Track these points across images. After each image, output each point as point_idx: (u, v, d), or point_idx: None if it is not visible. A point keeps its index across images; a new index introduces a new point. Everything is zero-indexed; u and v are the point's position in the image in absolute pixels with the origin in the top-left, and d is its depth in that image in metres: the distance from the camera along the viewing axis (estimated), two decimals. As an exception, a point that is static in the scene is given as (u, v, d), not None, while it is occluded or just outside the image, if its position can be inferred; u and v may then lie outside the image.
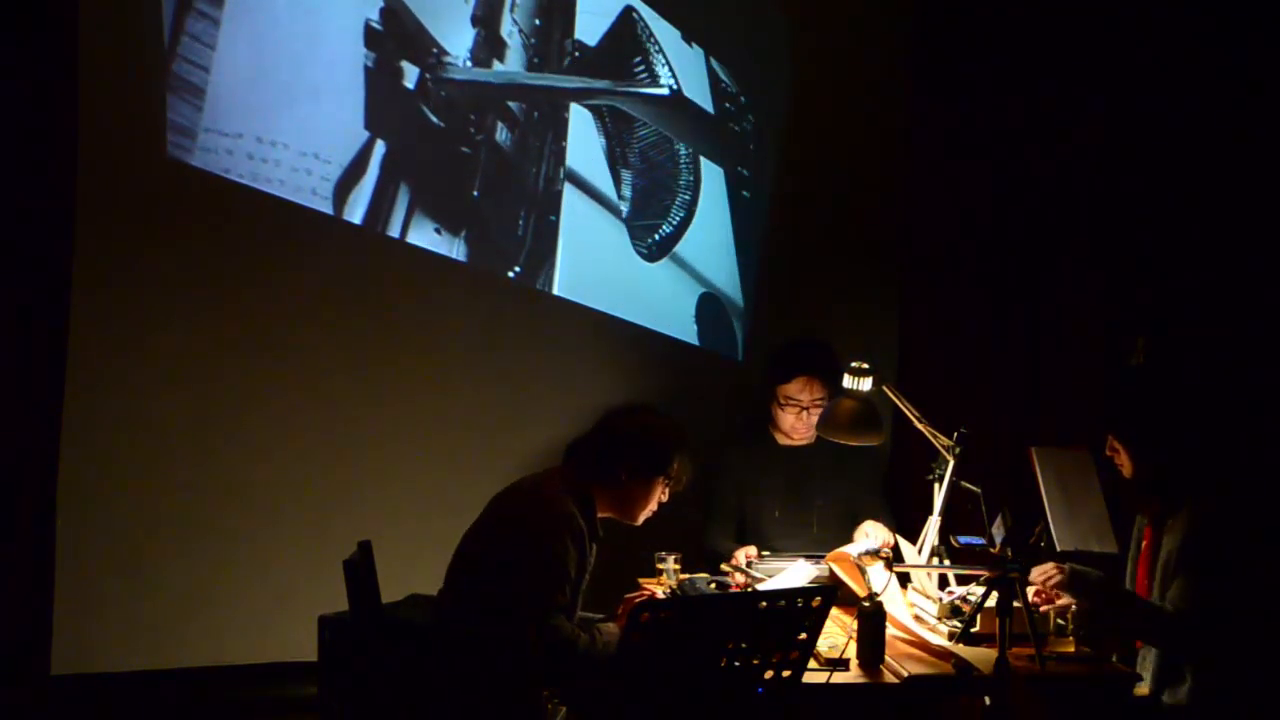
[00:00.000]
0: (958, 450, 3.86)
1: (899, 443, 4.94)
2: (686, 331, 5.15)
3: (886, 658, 3.37)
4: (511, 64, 4.82)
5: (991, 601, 3.32)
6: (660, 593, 3.78)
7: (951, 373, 5.02)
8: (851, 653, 3.35)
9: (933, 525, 3.87)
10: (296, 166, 4.57)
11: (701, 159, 5.12)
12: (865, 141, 5.16)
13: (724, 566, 4.10)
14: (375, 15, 4.62)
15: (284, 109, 4.55)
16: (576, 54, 4.93)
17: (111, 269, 4.46)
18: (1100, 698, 3.45)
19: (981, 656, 3.36)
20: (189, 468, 4.57)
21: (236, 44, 4.49)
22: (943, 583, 3.81)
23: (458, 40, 4.74)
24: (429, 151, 4.77)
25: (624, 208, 5.03)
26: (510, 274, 4.91)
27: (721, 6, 5.14)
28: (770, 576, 3.91)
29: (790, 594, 2.90)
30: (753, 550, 4.18)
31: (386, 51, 4.66)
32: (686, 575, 3.93)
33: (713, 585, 3.88)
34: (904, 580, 3.90)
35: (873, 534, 4.12)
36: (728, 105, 5.15)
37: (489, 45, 4.78)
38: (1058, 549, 3.61)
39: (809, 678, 3.10)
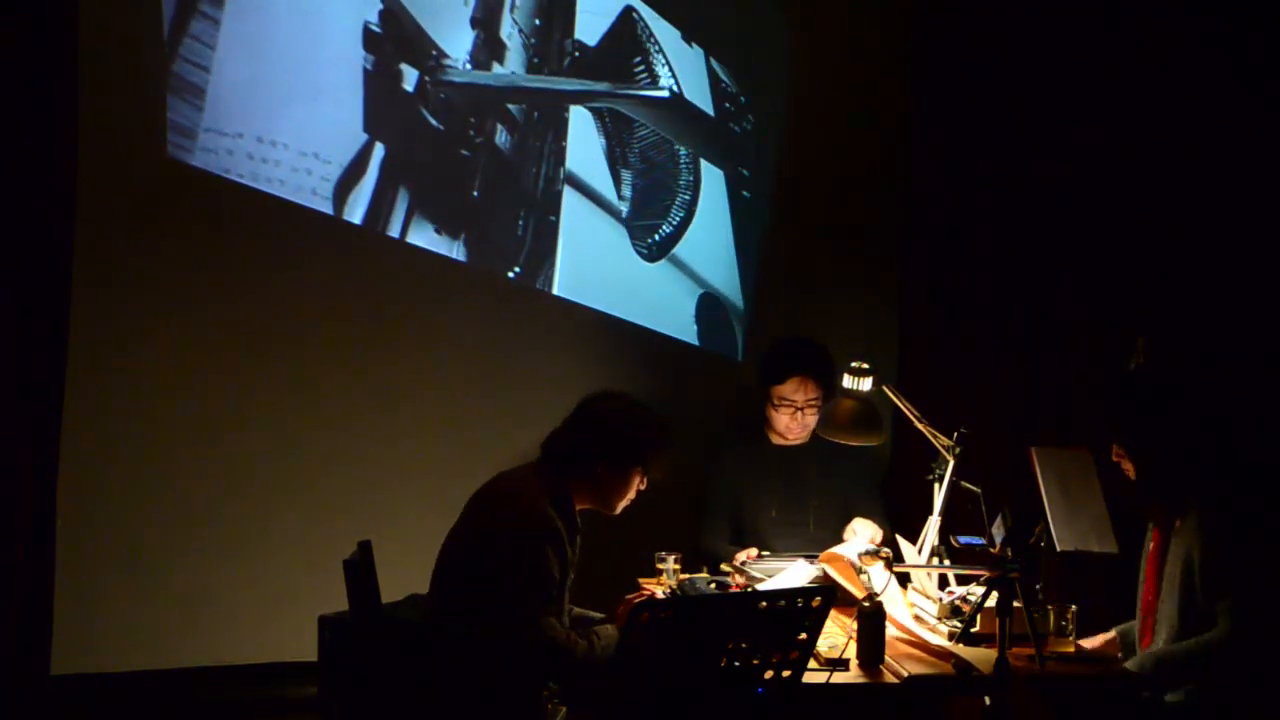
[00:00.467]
0: (958, 450, 3.86)
1: (899, 443, 4.94)
2: (686, 332, 5.15)
3: (886, 658, 3.37)
4: (511, 65, 4.82)
5: (991, 601, 3.32)
6: (660, 593, 3.77)
7: (951, 373, 5.01)
8: (851, 653, 3.35)
9: (933, 525, 3.87)
10: (296, 167, 4.57)
11: (701, 159, 5.12)
12: (865, 142, 5.16)
13: (724, 567, 4.10)
14: (374, 17, 4.62)
15: (284, 110, 4.55)
16: (576, 54, 4.93)
17: (111, 269, 4.46)
18: (1100, 698, 3.45)
19: (981, 656, 3.36)
20: (189, 467, 4.57)
21: (237, 44, 4.49)
22: (943, 583, 3.81)
23: (457, 42, 4.74)
24: (429, 153, 4.77)
25: (624, 208, 5.03)
26: (510, 274, 4.91)
27: (721, 6, 5.14)
28: (770, 576, 3.91)
29: (790, 594, 2.90)
30: (754, 551, 4.18)
31: (386, 53, 4.66)
32: (686, 575, 3.93)
33: (713, 585, 3.88)
34: (904, 580, 3.90)
35: (861, 531, 4.11)
36: (728, 105, 5.15)
37: (488, 47, 4.78)
38: (1058, 549, 3.61)
39: (809, 678, 3.10)
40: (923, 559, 3.82)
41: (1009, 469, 4.65)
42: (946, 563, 3.81)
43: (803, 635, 2.91)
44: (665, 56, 5.02)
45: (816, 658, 3.27)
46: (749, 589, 3.84)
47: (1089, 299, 4.98)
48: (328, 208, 4.63)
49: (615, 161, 5.01)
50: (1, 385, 4.20)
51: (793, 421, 4.30)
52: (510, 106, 4.85)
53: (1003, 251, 5.03)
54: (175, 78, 4.43)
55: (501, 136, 4.85)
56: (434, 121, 4.74)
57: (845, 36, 5.16)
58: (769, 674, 2.91)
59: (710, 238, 5.15)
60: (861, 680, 3.30)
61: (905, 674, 3.28)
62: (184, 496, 4.57)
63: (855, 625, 3.40)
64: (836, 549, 3.88)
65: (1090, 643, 3.66)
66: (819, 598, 2.88)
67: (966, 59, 5.02)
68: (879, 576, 3.65)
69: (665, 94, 5.02)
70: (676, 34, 5.04)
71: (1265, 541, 3.52)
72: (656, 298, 5.09)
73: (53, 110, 4.22)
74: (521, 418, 4.78)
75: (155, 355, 4.53)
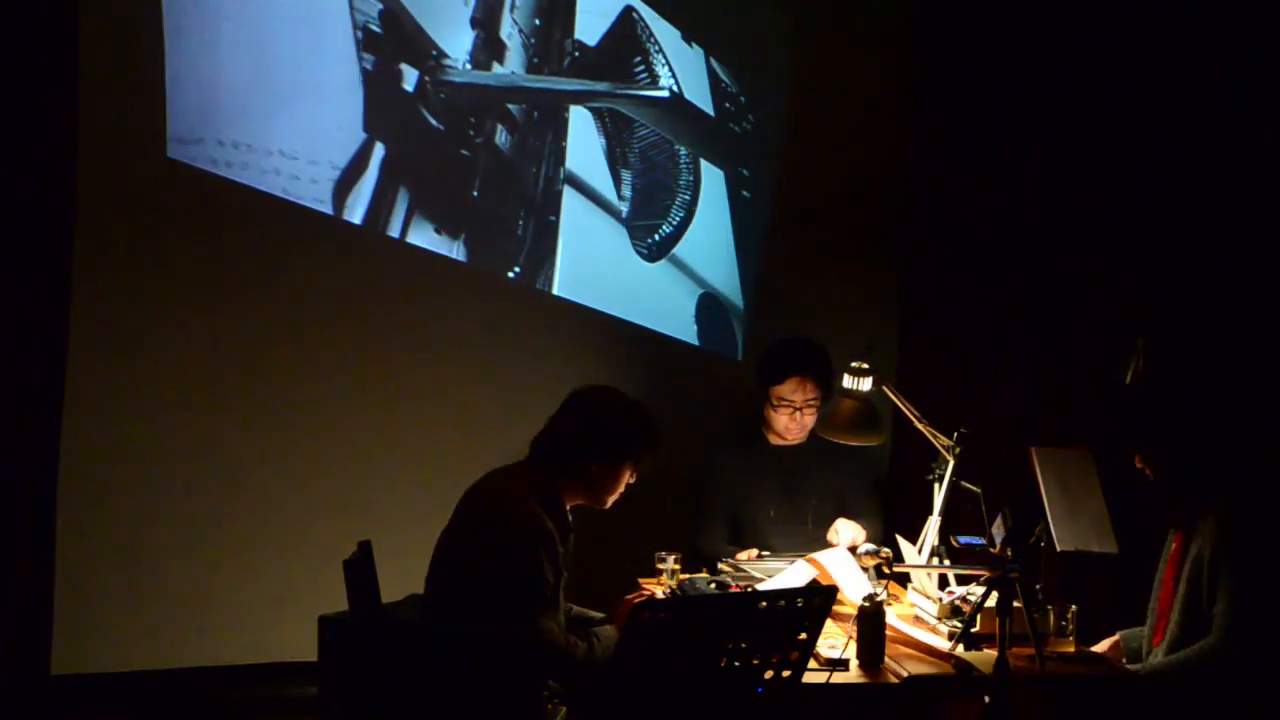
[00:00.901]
0: (958, 450, 3.86)
1: (899, 443, 4.94)
2: (686, 332, 5.15)
3: (886, 658, 3.37)
4: (511, 65, 4.83)
5: (991, 601, 3.31)
6: (660, 593, 3.77)
7: (951, 373, 5.01)
8: (851, 653, 3.35)
9: (933, 525, 3.87)
10: (296, 167, 4.57)
11: (701, 159, 5.12)
12: (865, 142, 5.16)
13: (722, 566, 4.09)
14: (375, 17, 4.62)
15: (284, 110, 4.56)
16: (576, 54, 4.93)
17: (111, 269, 4.46)
18: (1100, 698, 3.45)
19: (981, 656, 3.36)
20: (189, 467, 4.57)
21: (237, 44, 4.49)
22: (943, 583, 3.81)
23: (457, 42, 4.75)
24: (428, 153, 4.77)
25: (624, 208, 5.03)
26: (510, 274, 4.91)
27: (721, 6, 5.14)
28: (769, 576, 3.91)
29: (790, 594, 2.90)
30: (754, 551, 4.18)
31: (386, 54, 4.66)
32: (686, 575, 3.93)
33: (713, 585, 3.88)
34: (904, 580, 3.90)
35: (843, 532, 4.11)
36: (728, 105, 5.15)
37: (488, 47, 4.78)
38: (1058, 549, 3.61)
39: (809, 678, 3.10)
40: (923, 559, 3.82)
41: (1009, 469, 4.65)
42: (946, 563, 3.80)
43: (803, 635, 2.91)
44: (665, 56, 5.02)
45: (816, 658, 3.27)
46: (748, 589, 3.84)
47: (1089, 299, 4.98)
48: (328, 208, 4.63)
49: (615, 161, 5.01)
50: (1, 385, 4.20)
51: (791, 422, 4.29)
52: (510, 106, 4.85)
53: (1003, 251, 5.03)
54: (175, 78, 4.43)
55: (501, 136, 4.85)
56: (434, 121, 4.74)
57: (845, 37, 5.16)
58: (769, 674, 2.91)
59: (710, 238, 5.15)
60: (861, 680, 3.30)
61: (905, 674, 3.28)
62: (184, 496, 4.57)
63: (855, 625, 3.40)
64: (816, 555, 3.86)
65: (1095, 649, 3.66)
66: (819, 598, 2.88)
67: (966, 59, 5.02)
68: (859, 580, 3.65)
69: (665, 94, 5.02)
70: (676, 34, 5.04)
71: (1275, 545, 3.52)
72: (656, 298, 5.09)
73: (53, 110, 4.22)
74: (522, 417, 4.74)
75: (155, 355, 4.54)
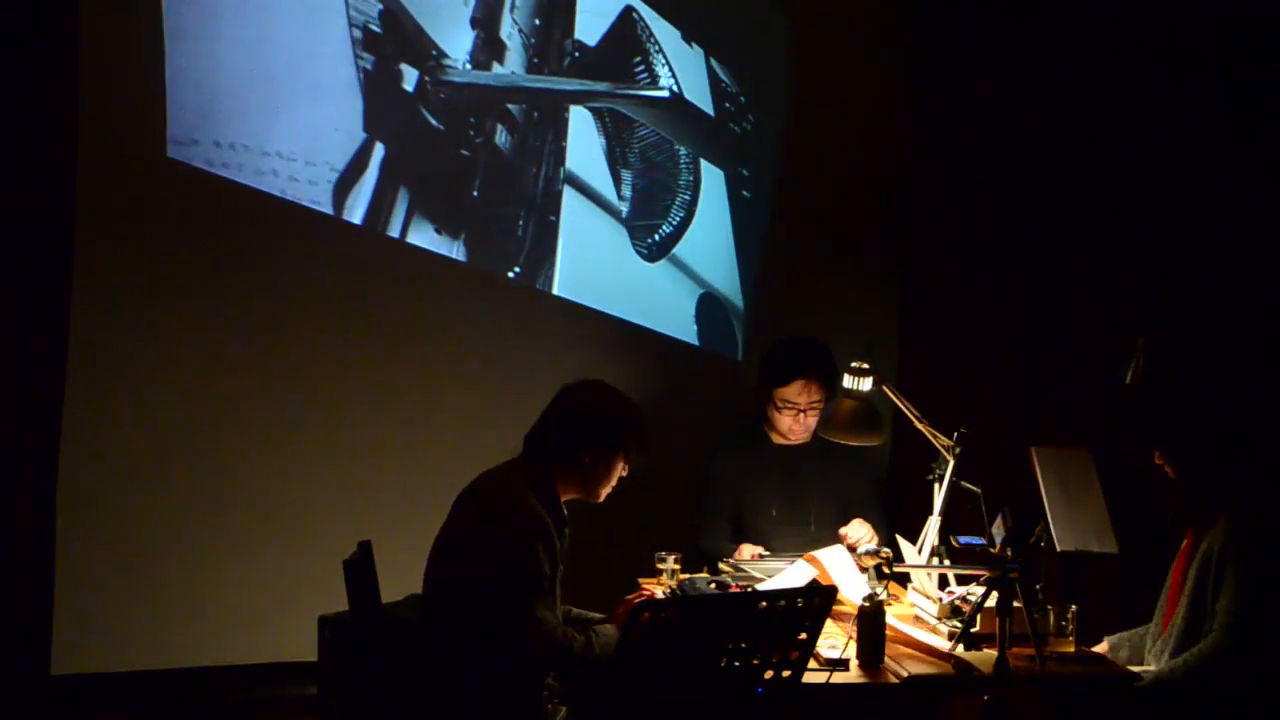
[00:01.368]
0: (958, 450, 3.86)
1: (899, 443, 4.94)
2: (686, 332, 5.15)
3: (886, 658, 3.37)
4: (511, 65, 4.83)
5: (991, 601, 3.31)
6: (660, 593, 3.77)
7: (951, 373, 5.02)
8: (851, 653, 3.35)
9: (933, 525, 3.87)
10: (296, 167, 4.57)
11: (701, 159, 5.12)
12: (865, 142, 5.16)
13: (723, 566, 4.09)
14: (374, 17, 4.62)
15: (284, 110, 4.56)
16: (576, 54, 4.93)
17: (111, 269, 4.46)
18: (1100, 698, 3.45)
19: (981, 656, 3.36)
20: (189, 467, 4.57)
21: (237, 44, 4.49)
22: (943, 583, 3.81)
23: (457, 42, 4.75)
24: (428, 153, 4.77)
25: (624, 208, 5.03)
26: (510, 274, 4.91)
27: (721, 6, 5.14)
28: (769, 576, 3.91)
29: (790, 594, 2.90)
30: (757, 550, 4.18)
31: (385, 54, 4.66)
32: (686, 575, 3.93)
33: (713, 585, 3.88)
34: (904, 580, 3.90)
35: (854, 530, 4.12)
36: (728, 105, 5.15)
37: (488, 47, 4.78)
38: (1058, 549, 3.61)
39: (809, 678, 3.10)
40: (923, 559, 3.82)
41: (1009, 469, 4.66)
42: (946, 563, 3.80)
43: (803, 635, 2.91)
44: (665, 56, 5.02)
45: (816, 658, 3.27)
46: (748, 589, 3.83)
47: (1089, 299, 4.99)
48: (327, 208, 4.63)
49: (615, 161, 5.01)
50: (1, 386, 4.20)
51: (795, 423, 4.29)
52: (510, 106, 4.85)
53: (1003, 251, 5.03)
54: (175, 78, 4.43)
55: (501, 136, 4.85)
56: (434, 121, 4.74)
57: (845, 37, 5.16)
58: (769, 674, 2.91)
59: (710, 238, 5.15)
60: (861, 680, 3.30)
61: (905, 674, 3.28)
62: (184, 496, 4.57)
63: (855, 625, 3.40)
64: (815, 553, 3.86)
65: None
66: (819, 598, 2.88)
67: (966, 58, 5.02)
68: (856, 580, 3.65)
69: (665, 94, 5.02)
70: (676, 34, 5.04)
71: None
72: (656, 298, 5.09)
73: (53, 110, 4.22)
74: (522, 417, 4.75)
75: (155, 355, 4.54)
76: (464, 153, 4.81)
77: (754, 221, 5.22)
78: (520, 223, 4.91)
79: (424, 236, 4.77)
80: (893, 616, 3.54)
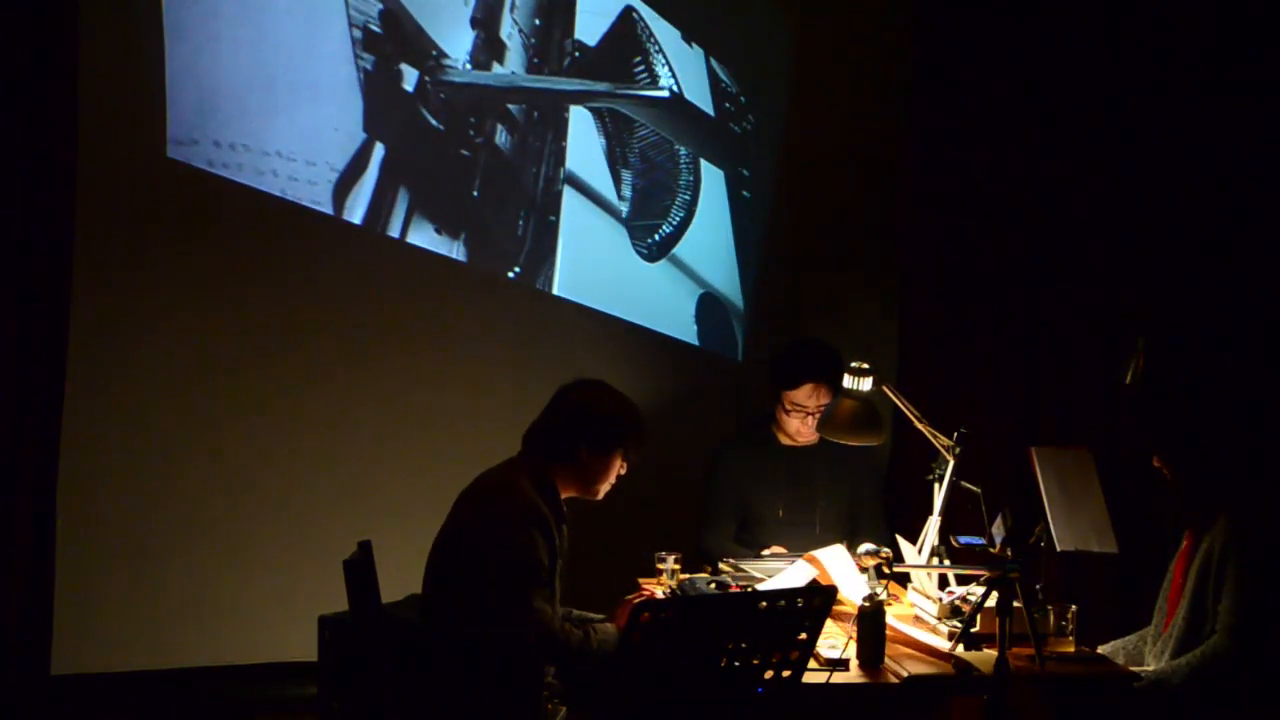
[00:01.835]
0: (958, 450, 3.85)
1: (899, 443, 4.94)
2: (686, 332, 5.15)
3: (886, 658, 3.37)
4: (511, 65, 4.83)
5: (991, 601, 3.31)
6: (660, 593, 3.77)
7: (951, 373, 5.01)
8: (851, 653, 3.35)
9: (933, 525, 3.87)
10: (296, 168, 4.57)
11: (701, 159, 5.12)
12: (865, 142, 5.16)
13: (723, 566, 4.09)
14: (374, 17, 4.62)
15: (284, 110, 4.56)
16: (576, 54, 4.93)
17: (111, 269, 4.46)
18: (1100, 698, 3.45)
19: (981, 656, 3.36)
20: (189, 467, 4.58)
21: (237, 45, 4.49)
22: (943, 583, 3.81)
23: (457, 42, 4.75)
24: (428, 153, 4.77)
25: (624, 208, 5.03)
26: (510, 274, 4.91)
27: (721, 6, 5.15)
28: (769, 576, 3.91)
29: (790, 594, 2.90)
30: (781, 549, 4.18)
31: (385, 54, 4.66)
32: (686, 575, 3.93)
33: (713, 585, 3.88)
34: (904, 580, 3.90)
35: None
36: (728, 105, 5.15)
37: (488, 47, 4.78)
38: (1058, 549, 3.61)
39: (809, 678, 3.10)
40: (923, 559, 3.82)
41: (1009, 469, 4.66)
42: (946, 563, 3.80)
43: (803, 635, 2.91)
44: (665, 56, 5.02)
45: (816, 658, 3.27)
46: (748, 589, 3.83)
47: (1090, 299, 4.99)
48: (328, 208, 4.63)
49: (615, 161, 5.01)
50: (1, 386, 4.20)
51: (803, 425, 4.30)
52: (510, 106, 4.85)
53: (1003, 251, 5.03)
54: (175, 78, 4.43)
55: (501, 136, 4.85)
56: (434, 121, 4.74)
57: (845, 37, 5.17)
58: (769, 674, 2.91)
59: (710, 238, 5.15)
60: (861, 680, 3.30)
61: (905, 674, 3.28)
62: (184, 496, 4.57)
63: (855, 625, 3.40)
64: (815, 553, 3.86)
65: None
66: (819, 598, 2.88)
67: (966, 59, 5.01)
68: (856, 581, 3.65)
69: (665, 94, 5.02)
70: (676, 34, 5.04)
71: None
72: (656, 298, 5.09)
73: (53, 110, 4.22)
74: (521, 417, 4.76)
75: (155, 355, 4.54)
76: (464, 153, 4.81)
77: (754, 221, 5.22)
78: (520, 223, 4.91)
79: (424, 236, 4.77)
80: (893, 616, 3.53)
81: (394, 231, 4.72)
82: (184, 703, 4.59)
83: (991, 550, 3.51)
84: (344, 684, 3.48)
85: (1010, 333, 5.04)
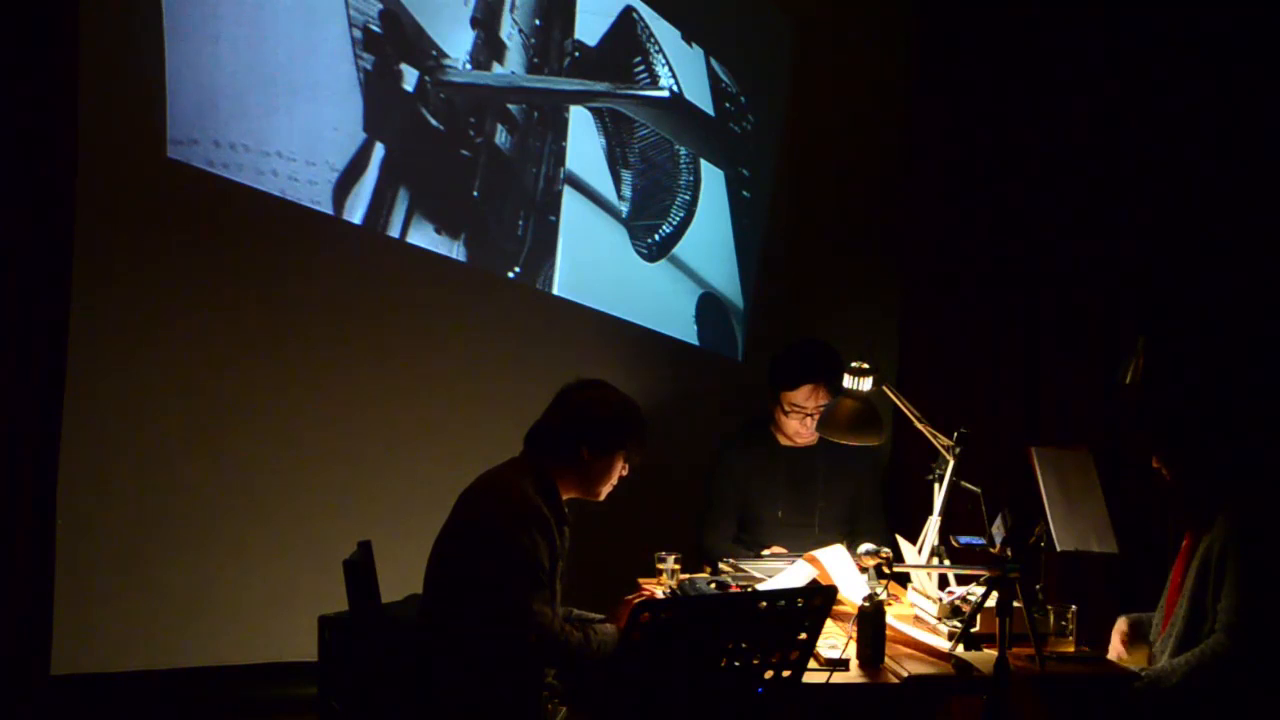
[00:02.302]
0: (958, 450, 3.85)
1: (899, 443, 4.94)
2: (686, 332, 5.15)
3: (886, 658, 3.37)
4: (511, 65, 4.83)
5: (991, 601, 3.31)
6: (660, 593, 3.77)
7: (951, 373, 5.02)
8: (851, 653, 3.35)
9: (933, 525, 3.87)
10: (296, 167, 4.57)
11: (701, 159, 5.12)
12: (865, 142, 5.17)
13: (723, 566, 4.09)
14: (374, 17, 4.63)
15: (284, 110, 4.56)
16: (576, 54, 4.93)
17: (111, 269, 4.46)
18: (1100, 698, 3.45)
19: (981, 656, 3.36)
20: (189, 468, 4.57)
21: (237, 44, 4.49)
22: (943, 583, 3.81)
23: (457, 42, 4.75)
24: (428, 153, 4.77)
25: (624, 208, 5.03)
26: (510, 274, 4.91)
27: (721, 6, 5.15)
28: (769, 576, 3.91)
29: (790, 594, 2.90)
30: (781, 550, 4.18)
31: (385, 54, 4.66)
32: (686, 575, 3.93)
33: (713, 585, 3.88)
34: (904, 580, 3.90)
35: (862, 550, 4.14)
36: (728, 105, 5.16)
37: (488, 47, 4.79)
38: (1058, 549, 3.61)
39: (809, 678, 3.10)
40: (923, 559, 3.82)
41: (1009, 469, 4.66)
42: (946, 563, 3.80)
43: (803, 635, 2.91)
44: (665, 56, 5.02)
45: (816, 658, 3.27)
46: (748, 589, 3.83)
47: (1089, 299, 4.99)
48: (326, 208, 4.63)
49: (615, 161, 5.01)
50: (1, 386, 4.20)
51: (802, 426, 4.30)
52: (510, 106, 4.85)
53: (1003, 251, 5.03)
54: (175, 78, 4.43)
55: (501, 136, 4.85)
56: (434, 121, 4.74)
57: (845, 36, 5.17)
58: (769, 674, 2.91)
59: (710, 238, 5.16)
60: (861, 680, 3.30)
61: (905, 674, 3.28)
62: (184, 496, 4.57)
63: (855, 625, 3.40)
64: (815, 553, 3.86)
65: (1114, 650, 3.68)
66: (819, 598, 2.88)
67: (966, 59, 5.02)
68: (856, 581, 3.65)
69: (665, 94, 5.02)
70: (676, 34, 5.04)
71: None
72: (656, 298, 5.09)
73: (53, 110, 4.22)
74: (521, 418, 4.76)
75: (155, 355, 4.54)
76: (464, 153, 4.81)
77: (754, 221, 5.23)
78: (520, 223, 4.91)
79: (424, 236, 4.77)
80: (893, 616, 3.54)
81: (394, 231, 4.73)
82: (184, 703, 4.59)
83: (991, 550, 3.51)
84: (344, 684, 3.48)
85: (1010, 333, 5.04)
